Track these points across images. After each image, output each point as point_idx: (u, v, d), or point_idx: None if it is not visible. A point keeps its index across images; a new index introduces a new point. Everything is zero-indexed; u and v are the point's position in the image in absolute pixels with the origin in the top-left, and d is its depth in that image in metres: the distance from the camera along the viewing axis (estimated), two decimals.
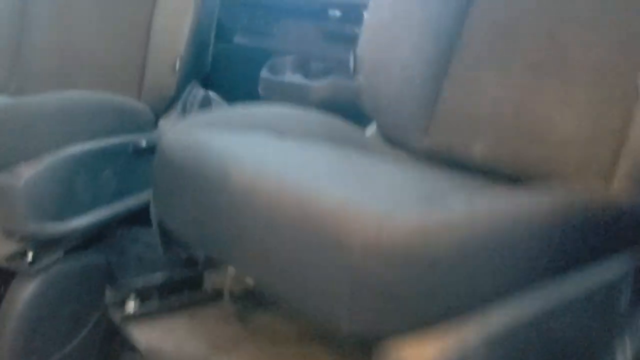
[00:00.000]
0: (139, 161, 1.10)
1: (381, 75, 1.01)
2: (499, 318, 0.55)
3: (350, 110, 1.33)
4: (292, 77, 1.39)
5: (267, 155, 0.66)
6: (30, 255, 0.93)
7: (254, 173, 0.60)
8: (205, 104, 1.30)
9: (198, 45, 1.23)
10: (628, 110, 0.80)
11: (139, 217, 1.11)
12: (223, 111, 0.86)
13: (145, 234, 1.14)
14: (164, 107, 1.19)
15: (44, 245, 0.94)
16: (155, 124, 1.18)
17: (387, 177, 0.65)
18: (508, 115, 0.91)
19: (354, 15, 1.35)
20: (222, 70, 1.44)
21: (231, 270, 0.80)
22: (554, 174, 0.86)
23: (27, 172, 0.88)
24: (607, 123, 0.82)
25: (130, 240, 1.14)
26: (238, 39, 1.51)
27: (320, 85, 1.36)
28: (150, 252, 1.11)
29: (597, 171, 0.81)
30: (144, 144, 1.08)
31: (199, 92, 1.28)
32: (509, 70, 0.92)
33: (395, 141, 1.02)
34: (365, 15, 1.03)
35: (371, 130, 1.07)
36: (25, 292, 0.95)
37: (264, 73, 1.42)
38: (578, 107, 0.85)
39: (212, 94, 1.39)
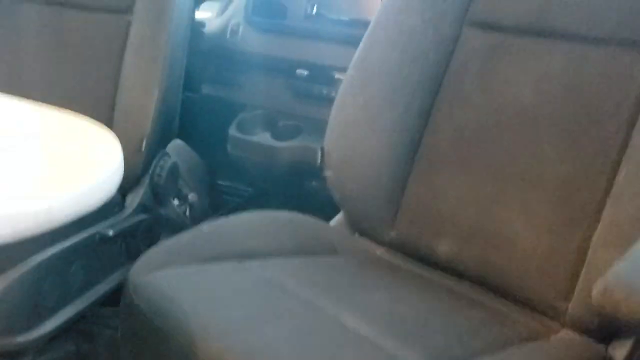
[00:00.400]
0: (106, 247, 1.10)
1: (349, 170, 1.02)
2: None
3: (318, 173, 1.34)
4: (261, 137, 1.39)
5: (232, 323, 0.67)
6: None
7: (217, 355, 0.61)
8: (174, 173, 1.29)
9: (165, 117, 1.21)
10: (587, 231, 0.82)
11: (109, 298, 1.12)
12: (188, 236, 0.86)
13: (115, 316, 1.14)
14: (129, 185, 1.18)
15: (12, 355, 0.94)
16: (122, 203, 1.17)
17: (351, 346, 0.66)
18: (471, 218, 0.93)
19: (322, 76, 1.35)
20: (190, 118, 1.43)
21: None
22: (515, 282, 0.88)
23: None
24: (567, 241, 0.84)
25: (101, 325, 1.14)
26: (205, 89, 1.50)
27: (289, 146, 1.36)
28: None
29: (557, 287, 0.84)
30: (110, 233, 1.08)
31: (167, 162, 1.27)
32: (471, 174, 0.93)
33: (362, 231, 1.04)
34: (332, 110, 1.03)
35: (339, 218, 1.08)
36: None
37: (233, 130, 1.42)
38: (538, 221, 0.87)
39: (179, 142, 1.38)
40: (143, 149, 1.16)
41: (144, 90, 1.16)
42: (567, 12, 0.89)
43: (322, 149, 1.03)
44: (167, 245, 0.83)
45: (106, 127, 0.65)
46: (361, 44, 1.02)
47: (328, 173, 1.03)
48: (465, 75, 0.97)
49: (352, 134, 1.01)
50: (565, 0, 0.89)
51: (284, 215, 0.98)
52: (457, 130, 0.96)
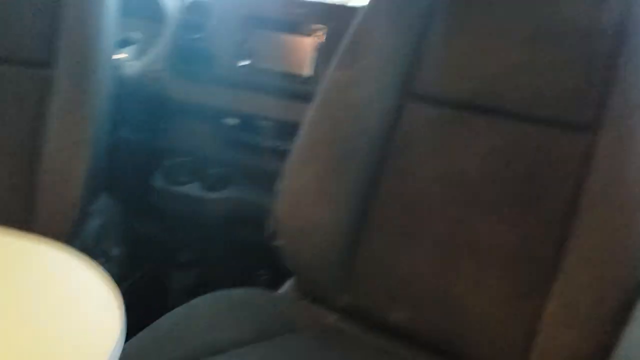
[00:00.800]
0: None
1: (302, 239, 1.02)
2: None
3: (251, 223, 1.33)
4: (189, 188, 1.35)
5: None
6: None
7: None
8: (100, 234, 1.22)
9: (95, 175, 1.14)
10: (537, 304, 0.87)
11: None
12: (146, 340, 0.82)
13: None
14: None
15: None
16: None
17: None
18: (423, 286, 0.96)
19: (252, 125, 1.33)
20: (111, 166, 1.36)
21: None
22: (471, 352, 0.92)
23: None
24: (518, 313, 0.89)
25: None
26: (126, 134, 1.42)
27: (219, 198, 1.34)
28: None
29: (510, 357, 0.89)
30: None
31: (94, 223, 1.20)
32: (422, 243, 0.97)
33: (315, 297, 1.05)
34: (283, 179, 1.03)
35: (290, 284, 1.09)
36: None
37: (158, 181, 1.37)
38: (489, 291, 0.91)
39: (104, 195, 1.30)
40: (74, 215, 1.09)
41: (74, 151, 1.09)
42: (508, 91, 0.94)
43: (273, 217, 1.02)
44: (125, 354, 0.79)
45: (96, 267, 0.60)
46: (309, 116, 1.03)
47: (280, 242, 1.03)
48: (410, 147, 1.00)
49: (304, 203, 1.02)
50: (505, 80, 0.94)
51: (237, 296, 0.97)
52: (405, 200, 0.99)
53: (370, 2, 1.03)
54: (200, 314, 0.91)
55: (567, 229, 0.87)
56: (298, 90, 1.27)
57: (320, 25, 1.27)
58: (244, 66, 1.31)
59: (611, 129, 0.86)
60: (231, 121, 1.34)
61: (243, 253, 1.40)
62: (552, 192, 0.90)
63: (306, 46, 1.28)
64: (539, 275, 0.88)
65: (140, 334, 0.82)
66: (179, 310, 0.90)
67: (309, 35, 1.28)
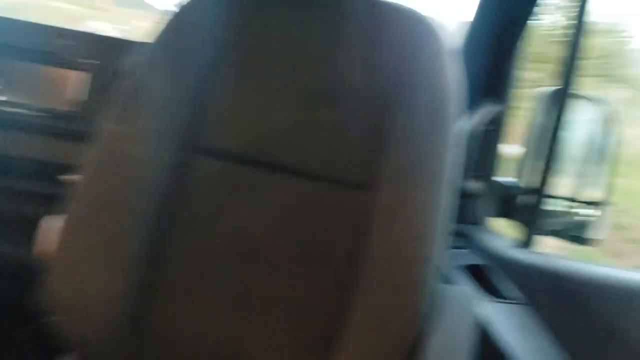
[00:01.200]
0: None
1: (80, 312, 0.92)
2: None
3: (7, 277, 1.18)
4: None
5: None
6: None
7: None
8: None
9: None
10: (326, 354, 0.89)
11: None
12: None
13: None
14: None
15: None
16: None
17: None
18: (214, 347, 0.93)
19: (4, 166, 1.18)
20: None
21: None
22: None
23: None
24: None
25: None
26: None
27: None
28: None
29: None
30: None
31: None
32: (213, 303, 0.94)
33: None
34: (56, 250, 0.92)
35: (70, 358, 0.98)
36: None
37: None
38: (279, 345, 0.92)
39: None
40: None
41: None
42: (287, 149, 0.95)
43: (45, 293, 0.91)
44: None
45: None
46: (82, 176, 0.93)
47: (54, 319, 0.92)
48: (198, 203, 0.96)
49: (81, 273, 0.92)
50: (284, 138, 0.95)
51: None
52: (195, 257, 0.95)
53: (150, 52, 0.95)
54: None
55: (351, 285, 0.90)
56: (62, 129, 1.15)
57: (89, 59, 1.15)
58: None
59: (385, 188, 0.91)
60: None
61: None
62: (335, 248, 0.92)
63: (73, 80, 1.16)
64: (326, 330, 0.90)
65: None
66: None
67: (75, 68, 1.16)
